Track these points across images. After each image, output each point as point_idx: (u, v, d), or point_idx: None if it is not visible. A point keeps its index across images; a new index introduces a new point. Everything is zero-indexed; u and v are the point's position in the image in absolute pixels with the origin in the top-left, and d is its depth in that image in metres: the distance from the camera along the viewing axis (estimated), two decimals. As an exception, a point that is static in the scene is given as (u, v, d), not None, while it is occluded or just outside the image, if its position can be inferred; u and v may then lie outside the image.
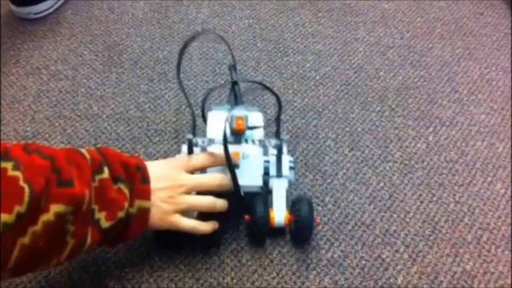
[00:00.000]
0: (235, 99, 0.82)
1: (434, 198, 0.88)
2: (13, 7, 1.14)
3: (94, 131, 0.95)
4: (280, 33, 1.18)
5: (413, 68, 1.11)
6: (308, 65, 1.11)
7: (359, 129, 0.98)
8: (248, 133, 0.75)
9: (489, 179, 0.92)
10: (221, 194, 0.76)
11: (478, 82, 1.09)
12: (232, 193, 0.75)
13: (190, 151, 0.77)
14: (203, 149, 0.79)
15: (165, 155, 0.92)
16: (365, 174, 0.91)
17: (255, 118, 0.82)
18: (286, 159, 0.81)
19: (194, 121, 0.79)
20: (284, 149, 0.82)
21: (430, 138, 0.98)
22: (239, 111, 0.72)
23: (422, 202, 0.88)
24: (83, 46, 1.11)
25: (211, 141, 0.76)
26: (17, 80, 1.03)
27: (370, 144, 0.96)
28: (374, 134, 0.98)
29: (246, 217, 0.78)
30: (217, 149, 0.76)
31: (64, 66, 1.06)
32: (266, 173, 0.80)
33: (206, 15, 1.21)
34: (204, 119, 0.83)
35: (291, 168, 0.81)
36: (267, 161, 0.81)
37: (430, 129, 0.99)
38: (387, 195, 0.88)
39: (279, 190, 0.80)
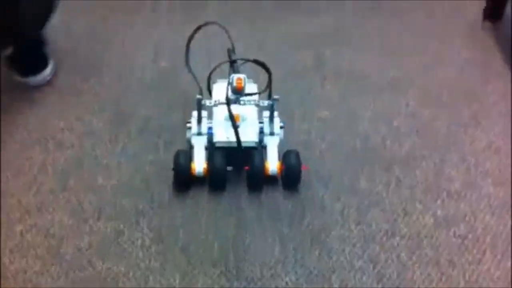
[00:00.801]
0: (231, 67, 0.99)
1: (444, 278, 0.86)
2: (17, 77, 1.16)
3: (98, 203, 0.95)
4: (286, 98, 1.18)
5: (420, 137, 1.11)
6: (314, 132, 1.11)
7: (365, 202, 0.97)
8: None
9: (499, 256, 0.90)
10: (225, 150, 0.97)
11: (486, 151, 1.08)
12: (235, 148, 0.95)
13: (199, 111, 0.97)
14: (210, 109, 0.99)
15: (168, 230, 0.91)
16: (372, 250, 0.89)
17: (251, 87, 1.00)
18: (277, 120, 1.01)
19: (201, 91, 0.99)
20: (276, 113, 1.01)
21: (438, 211, 0.96)
22: (238, 74, 0.94)
23: (431, 281, 0.86)
24: (90, 114, 1.12)
25: (217, 102, 0.97)
26: (23, 149, 1.03)
27: (377, 218, 0.94)
28: (381, 207, 0.96)
29: (246, 167, 0.97)
30: (222, 108, 0.97)
31: (71, 135, 1.07)
32: (261, 131, 1.01)
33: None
34: (210, 92, 1.01)
35: (281, 127, 1.02)
36: (261, 122, 1.01)
37: (438, 202, 0.98)
38: (395, 274, 0.86)
39: (272, 145, 1.00)
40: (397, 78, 1.26)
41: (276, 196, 0.98)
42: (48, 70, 1.18)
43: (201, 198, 0.97)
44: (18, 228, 0.90)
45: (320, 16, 1.45)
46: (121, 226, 0.91)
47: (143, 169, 1.01)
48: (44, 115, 1.11)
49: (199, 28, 1.01)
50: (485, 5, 1.45)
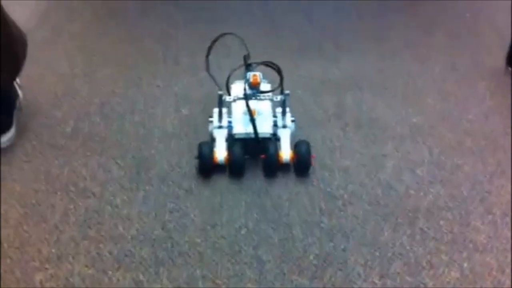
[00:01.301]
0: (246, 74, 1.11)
1: (471, 336, 0.83)
2: None
3: (118, 253, 0.94)
4: (307, 147, 1.18)
5: (444, 187, 1.09)
6: (336, 182, 1.10)
7: (389, 254, 0.95)
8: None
9: (528, 313, 0.87)
10: (244, 141, 1.09)
11: (512, 201, 1.06)
12: (253, 139, 1.08)
13: (220, 106, 1.10)
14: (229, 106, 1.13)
15: (187, 283, 0.90)
16: (396, 306, 0.87)
17: (265, 86, 1.13)
18: (289, 114, 1.14)
19: (220, 89, 1.10)
20: (287, 108, 1.13)
21: (465, 264, 0.94)
22: (254, 71, 1.07)
23: None
24: (112, 161, 1.12)
25: (236, 97, 1.11)
26: (45, 197, 1.04)
27: (401, 271, 0.92)
28: (405, 260, 0.94)
29: (262, 156, 1.09)
30: (240, 104, 1.12)
31: (93, 183, 1.07)
32: (275, 125, 1.13)
33: (234, 129, 1.22)
34: (228, 91, 1.14)
35: (292, 121, 1.14)
36: (275, 116, 1.14)
37: (464, 255, 0.95)
38: (420, 331, 0.84)
39: (285, 136, 1.12)
40: (420, 125, 1.25)
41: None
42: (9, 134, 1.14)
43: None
44: (38, 277, 0.90)
45: (341, 62, 1.45)
46: (141, 276, 0.90)
47: (163, 218, 1.01)
48: (68, 162, 1.11)
49: (218, 38, 1.14)
50: (508, 52, 1.44)
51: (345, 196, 1.06)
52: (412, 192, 1.08)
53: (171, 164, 1.12)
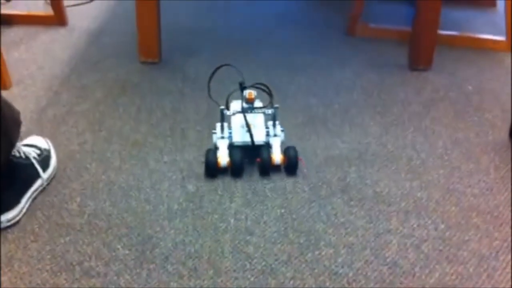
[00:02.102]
0: (242, 94, 1.33)
1: None
2: None
3: (120, 336, 0.93)
4: (311, 223, 1.19)
5: (450, 264, 1.08)
6: (340, 259, 1.09)
7: (394, 336, 0.93)
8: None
9: None
10: (242, 148, 1.33)
11: (520, 279, 1.05)
12: (250, 146, 1.33)
13: (222, 120, 1.36)
14: (229, 117, 1.38)
15: None
16: None
17: (258, 103, 1.37)
18: (278, 126, 1.38)
19: (222, 111, 1.35)
20: (277, 122, 1.38)
21: None
22: (249, 90, 1.31)
23: None
24: (117, 239, 1.13)
25: (235, 112, 1.35)
26: (50, 278, 1.04)
27: None
28: None
29: (258, 159, 1.32)
30: (238, 118, 1.37)
31: (97, 262, 1.07)
32: (267, 134, 1.37)
33: (239, 205, 1.23)
34: (228, 108, 1.35)
35: (282, 131, 1.38)
36: (267, 127, 1.38)
37: (471, 336, 0.93)
38: None
39: (276, 143, 1.35)
40: (424, 200, 1.25)
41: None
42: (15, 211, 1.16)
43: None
44: None
45: (345, 135, 1.47)
46: None
47: (167, 298, 1.00)
48: (73, 241, 1.12)
49: (217, 69, 1.35)
50: (511, 124, 1.46)
51: (350, 274, 1.06)
52: (417, 269, 1.07)
53: (176, 242, 1.12)
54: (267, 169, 1.32)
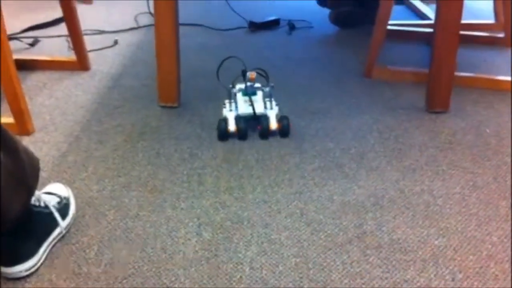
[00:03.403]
0: (244, 78, 1.72)
1: None
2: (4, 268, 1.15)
3: None
4: (327, 273, 1.18)
5: (468, 316, 1.06)
6: (357, 310, 1.08)
7: None
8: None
9: None
10: (246, 118, 1.68)
11: (540, 332, 1.03)
12: (252, 116, 1.69)
13: (230, 97, 1.73)
14: (235, 95, 1.74)
15: None
16: None
17: (258, 84, 1.73)
18: (274, 102, 1.73)
19: (229, 91, 1.74)
20: (272, 98, 1.74)
21: None
22: (251, 72, 1.69)
23: None
24: (133, 288, 1.14)
25: (240, 90, 1.73)
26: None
27: None
28: None
29: (258, 127, 1.67)
30: (241, 94, 1.74)
31: (113, 312, 1.08)
32: (265, 107, 1.72)
33: (255, 253, 1.23)
34: (234, 87, 1.73)
35: (276, 104, 1.73)
36: (265, 102, 1.73)
37: None
38: None
39: (272, 114, 1.70)
40: (442, 248, 1.24)
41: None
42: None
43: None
44: None
45: (362, 181, 1.47)
46: None
47: None
48: (89, 290, 1.13)
49: (224, 60, 1.78)
50: (529, 168, 1.45)
51: (366, 326, 1.05)
52: (434, 322, 1.05)
53: (191, 292, 1.13)
54: (266, 134, 1.67)
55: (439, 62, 1.77)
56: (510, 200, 1.40)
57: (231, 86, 1.73)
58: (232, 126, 1.66)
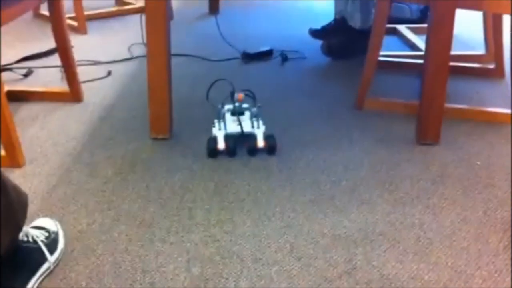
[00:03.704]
0: (232, 99, 1.84)
1: None
2: None
3: None
4: (317, 309, 1.17)
5: None
6: None
7: None
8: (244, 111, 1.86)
9: None
10: (234, 136, 1.78)
11: None
12: (240, 134, 1.77)
13: (219, 116, 1.84)
14: (224, 115, 1.85)
15: None
16: None
17: (245, 105, 1.86)
18: (261, 121, 1.82)
19: (219, 111, 1.85)
20: (260, 118, 1.84)
21: None
22: (238, 93, 1.81)
23: None
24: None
25: (229, 110, 1.84)
26: None
27: None
28: None
29: (245, 144, 1.76)
30: (230, 114, 1.84)
31: None
32: (252, 126, 1.80)
33: (244, 289, 1.22)
34: (223, 107, 1.85)
35: (263, 124, 1.81)
36: (252, 122, 1.82)
37: None
38: None
39: (259, 133, 1.78)
40: (432, 283, 1.24)
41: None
42: None
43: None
44: None
45: (353, 214, 1.47)
46: None
47: None
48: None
49: (214, 82, 1.94)
50: (520, 201, 1.45)
51: None
52: None
53: (179, 329, 1.12)
54: (254, 151, 1.75)
55: (429, 94, 1.79)
56: (500, 235, 1.40)
57: (220, 106, 1.84)
58: (221, 144, 1.75)
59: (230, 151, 1.75)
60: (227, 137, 1.77)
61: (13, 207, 1.13)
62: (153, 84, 1.80)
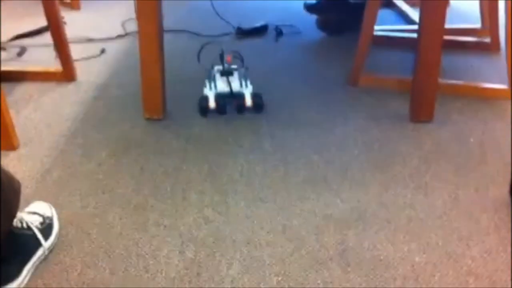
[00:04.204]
0: (221, 60, 1.97)
1: None
2: None
3: None
4: (307, 292, 1.19)
5: (446, 335, 1.08)
6: (336, 330, 1.09)
7: None
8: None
9: None
10: (224, 95, 1.90)
11: None
12: (229, 93, 1.90)
13: (209, 77, 1.96)
14: (214, 76, 1.97)
15: None
16: None
17: (234, 65, 1.97)
18: (248, 81, 1.94)
19: (209, 72, 1.98)
20: (248, 78, 1.96)
21: None
22: (227, 55, 1.94)
23: None
24: (115, 311, 1.14)
25: (219, 70, 1.94)
26: None
27: None
28: None
29: (235, 102, 1.87)
30: (219, 74, 1.95)
31: (94, 335, 1.09)
32: (241, 85, 1.92)
33: (236, 272, 1.24)
34: (212, 68, 1.98)
35: (250, 83, 1.92)
36: (241, 81, 1.93)
37: None
38: None
39: (247, 92, 1.90)
40: (422, 265, 1.25)
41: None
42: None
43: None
44: None
45: (345, 194, 1.49)
46: None
47: None
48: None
49: (205, 44, 2.10)
50: (511, 180, 1.45)
51: None
52: None
53: (172, 313, 1.14)
54: (242, 109, 1.86)
55: (423, 72, 1.78)
56: (491, 213, 1.41)
57: (210, 67, 1.97)
58: (212, 103, 1.86)
59: (220, 109, 1.86)
60: (217, 96, 1.88)
61: (6, 194, 1.14)
62: (145, 67, 1.79)
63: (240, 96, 1.89)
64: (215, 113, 1.87)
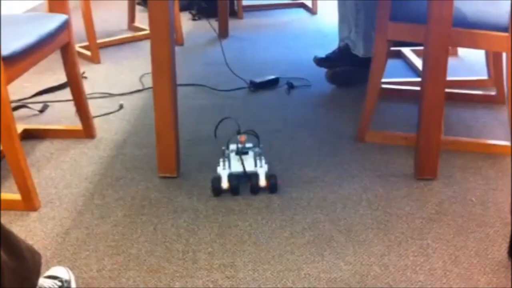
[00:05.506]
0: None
1: None
2: None
3: None
4: None
5: None
6: None
7: None
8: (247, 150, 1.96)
9: None
10: (238, 175, 1.88)
11: None
12: (243, 174, 1.87)
13: (223, 157, 1.95)
14: (228, 155, 1.96)
15: None
16: None
17: (249, 144, 1.97)
18: (263, 160, 1.92)
19: (224, 151, 1.99)
20: (262, 157, 1.94)
21: None
22: (241, 135, 1.93)
23: None
24: None
25: (232, 150, 1.95)
26: None
27: None
28: None
29: (250, 183, 1.85)
30: (234, 155, 1.95)
31: None
32: (255, 165, 1.89)
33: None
34: (227, 148, 1.98)
35: (265, 163, 1.90)
36: (256, 161, 1.91)
37: None
38: None
39: (261, 172, 1.87)
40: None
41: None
42: None
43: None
44: None
45: (349, 256, 1.54)
46: None
47: None
48: None
49: (221, 121, 2.05)
50: (510, 241, 1.50)
51: None
52: None
53: None
54: (256, 190, 1.85)
55: (425, 131, 1.85)
56: (489, 276, 1.46)
57: (224, 148, 1.98)
58: (225, 183, 1.84)
59: (233, 190, 1.84)
60: (231, 176, 1.85)
61: (28, 266, 1.22)
62: (159, 127, 1.89)
63: (254, 176, 1.85)
64: (228, 194, 1.85)
